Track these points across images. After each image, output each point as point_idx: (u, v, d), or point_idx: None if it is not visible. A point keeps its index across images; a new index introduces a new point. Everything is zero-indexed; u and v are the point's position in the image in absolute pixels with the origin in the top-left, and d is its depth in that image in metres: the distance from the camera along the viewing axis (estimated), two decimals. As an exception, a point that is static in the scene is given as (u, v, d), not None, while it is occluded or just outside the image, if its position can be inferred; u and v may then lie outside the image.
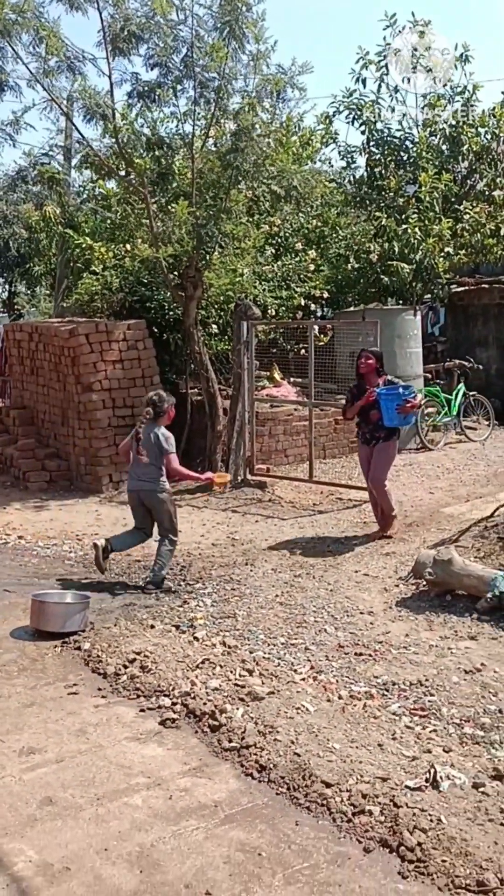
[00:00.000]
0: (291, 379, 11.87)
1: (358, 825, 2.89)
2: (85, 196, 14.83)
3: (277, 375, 11.66)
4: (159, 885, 2.59)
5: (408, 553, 6.55)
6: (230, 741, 3.47)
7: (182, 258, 9.97)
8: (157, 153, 10.42)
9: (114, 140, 10.47)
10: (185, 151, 10.74)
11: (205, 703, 3.75)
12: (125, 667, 4.22)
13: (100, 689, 4.05)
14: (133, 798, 3.09)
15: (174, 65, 10.80)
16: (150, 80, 11.02)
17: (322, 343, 10.95)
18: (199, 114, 10.50)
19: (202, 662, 4.22)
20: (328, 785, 3.11)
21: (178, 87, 10.80)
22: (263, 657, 4.46)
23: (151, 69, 11.04)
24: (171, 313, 10.77)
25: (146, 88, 10.93)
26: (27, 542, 7.24)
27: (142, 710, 3.81)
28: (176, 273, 10.20)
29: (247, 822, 2.94)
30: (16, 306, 29.08)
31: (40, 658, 4.47)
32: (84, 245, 12.06)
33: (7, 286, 29.47)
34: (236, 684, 3.96)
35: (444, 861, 2.66)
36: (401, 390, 6.90)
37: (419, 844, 2.73)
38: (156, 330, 10.66)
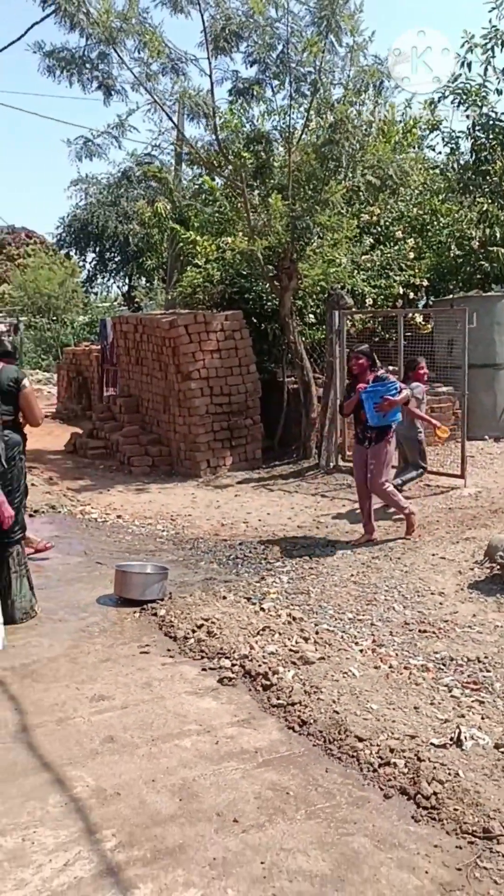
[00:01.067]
0: (389, 367, 11.97)
1: (382, 775, 3.13)
2: (192, 192, 15.34)
3: (375, 363, 11.77)
4: (194, 812, 2.93)
5: (488, 539, 6.63)
6: (278, 698, 3.77)
7: (278, 250, 10.26)
8: (255, 148, 10.73)
9: (215, 137, 10.88)
10: (283, 145, 11.02)
11: (260, 665, 4.06)
12: (193, 631, 4.59)
13: (169, 650, 4.43)
14: (183, 741, 3.44)
15: (272, 61, 11.11)
16: (249, 77, 11.38)
17: (425, 331, 11.00)
18: (296, 108, 10.75)
19: (263, 630, 4.53)
20: (360, 739, 3.36)
21: (276, 82, 11.11)
22: (327, 629, 4.73)
23: (250, 66, 11.39)
24: (268, 304, 11.09)
25: (245, 85, 11.30)
26: (124, 521, 7.76)
27: (203, 670, 4.16)
28: (272, 265, 10.51)
29: (281, 766, 3.23)
30: (135, 299, 30.21)
31: (120, 622, 4.91)
32: (189, 239, 12.53)
33: (127, 279, 30.66)
34: (291, 650, 4.25)
35: (455, 809, 2.87)
36: (379, 388, 6.72)
37: (435, 794, 2.95)
38: (254, 320, 11.02)
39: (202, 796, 3.03)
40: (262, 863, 2.64)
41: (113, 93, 10.66)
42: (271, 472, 10.07)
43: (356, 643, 4.56)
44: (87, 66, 10.26)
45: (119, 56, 10.23)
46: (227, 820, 2.88)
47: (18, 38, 10.92)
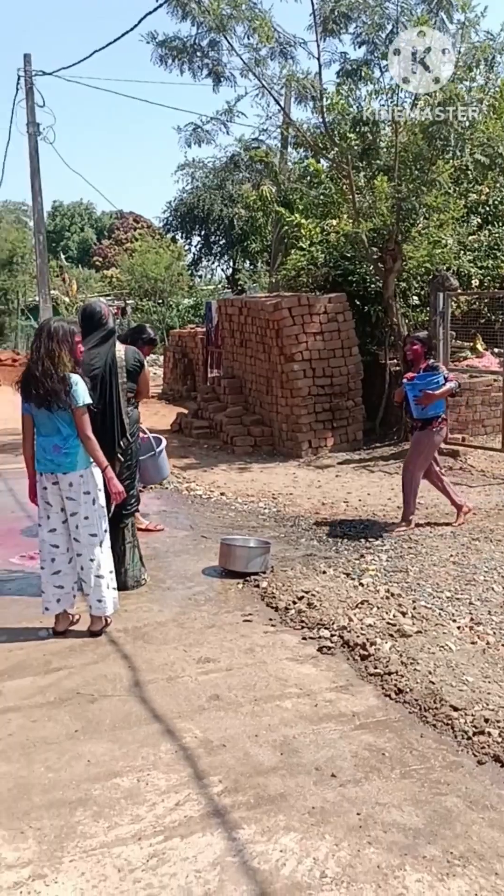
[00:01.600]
0: (495, 349, 11.80)
1: (476, 742, 3.25)
2: (298, 174, 15.40)
3: (480, 346, 11.64)
4: (294, 765, 3.12)
5: None
6: (375, 668, 3.91)
7: (382, 232, 10.26)
8: (362, 129, 10.73)
9: (321, 119, 10.93)
10: (389, 126, 10.97)
11: (358, 636, 4.21)
12: (294, 602, 4.78)
13: (270, 620, 4.64)
14: (284, 703, 3.63)
15: (380, 41, 11.07)
16: (357, 58, 11.37)
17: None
18: (403, 87, 10.68)
19: (361, 603, 4.67)
20: (455, 709, 3.48)
21: (385, 62, 11.06)
22: (425, 606, 4.82)
23: (359, 47, 11.39)
24: (372, 286, 11.11)
25: (353, 66, 11.29)
26: (227, 498, 8.01)
27: (303, 639, 4.35)
28: (377, 247, 10.51)
29: (378, 730, 3.39)
30: (238, 282, 30.54)
31: (224, 592, 5.15)
32: (294, 222, 12.64)
33: (231, 262, 31.01)
34: (389, 623, 4.38)
35: (547, 778, 2.96)
36: (419, 381, 6.59)
37: (528, 762, 3.04)
38: (357, 302, 11.05)
39: (302, 752, 3.22)
40: (357, 814, 2.81)
41: (222, 79, 10.88)
42: (372, 454, 10.14)
43: (453, 620, 4.64)
44: (198, 53, 10.50)
45: (229, 43, 10.44)
46: (325, 774, 3.06)
47: (132, 29, 11.22)
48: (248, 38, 10.45)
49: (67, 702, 3.69)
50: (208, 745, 3.29)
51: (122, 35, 12.97)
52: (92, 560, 4.40)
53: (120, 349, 5.14)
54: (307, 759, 3.17)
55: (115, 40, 12.39)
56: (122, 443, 4.98)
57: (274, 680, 3.87)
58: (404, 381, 6.72)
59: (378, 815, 2.80)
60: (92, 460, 4.36)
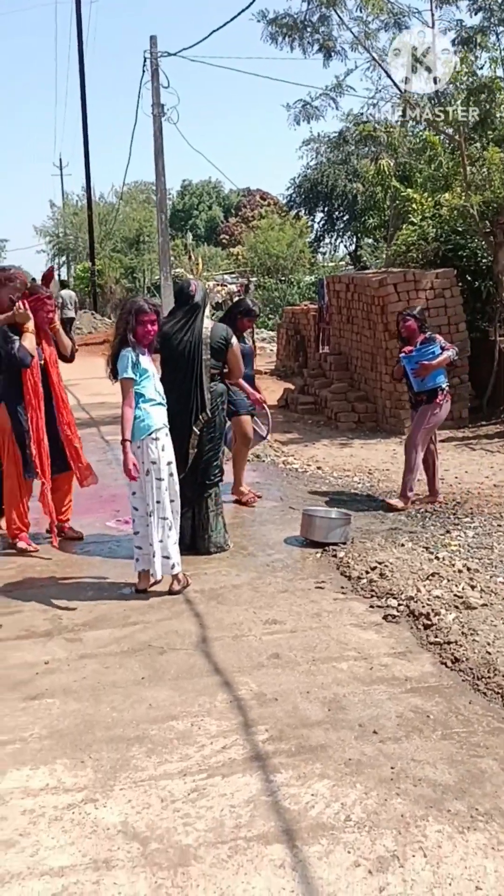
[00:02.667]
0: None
1: (522, 712, 3.30)
2: (415, 147, 15.13)
3: None
4: (338, 721, 3.28)
5: None
6: (436, 636, 3.99)
7: (493, 205, 10.03)
8: (478, 98, 10.48)
9: (435, 90, 10.76)
10: (505, 95, 10.65)
11: (423, 606, 4.29)
12: (367, 572, 4.89)
13: (342, 588, 4.78)
14: (341, 664, 3.78)
15: (497, 6, 10.74)
16: (474, 25, 11.08)
17: None
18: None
19: (432, 575, 4.73)
20: (507, 679, 3.53)
21: (502, 28, 10.74)
22: (501, 583, 4.83)
23: (475, 14, 11.10)
24: (483, 261, 10.87)
25: (469, 34, 11.02)
26: (323, 472, 8.15)
27: (371, 607, 4.47)
28: (488, 220, 10.28)
29: (427, 694, 3.49)
30: (361, 258, 30.27)
31: (302, 560, 5.32)
32: (407, 196, 12.50)
33: (354, 238, 30.76)
34: (456, 595, 4.43)
35: None
36: (414, 353, 6.52)
37: None
38: (468, 278, 10.86)
39: (348, 710, 3.37)
40: (391, 768, 2.94)
41: (333, 54, 10.87)
42: (476, 432, 9.99)
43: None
44: (309, 29, 10.53)
45: (339, 17, 10.41)
46: (367, 731, 3.20)
47: (247, 7, 11.33)
48: (360, 11, 10.39)
49: (139, 652, 3.98)
50: (261, 698, 3.49)
51: (239, 14, 13.11)
52: (162, 522, 4.67)
53: (207, 325, 5.35)
54: (352, 716, 3.31)
55: (231, 19, 12.62)
56: (201, 416, 5.19)
57: (335, 643, 4.02)
58: (401, 355, 6.75)
59: (411, 770, 2.92)
60: (149, 431, 4.59)
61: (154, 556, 4.63)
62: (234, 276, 38.04)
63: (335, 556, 5.31)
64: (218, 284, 31.67)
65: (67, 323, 21.41)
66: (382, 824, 2.64)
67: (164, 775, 2.96)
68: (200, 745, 3.15)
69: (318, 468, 8.34)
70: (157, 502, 4.63)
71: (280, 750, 3.09)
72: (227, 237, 47.80)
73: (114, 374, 4.63)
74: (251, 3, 11.23)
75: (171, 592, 4.72)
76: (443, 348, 6.61)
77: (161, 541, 4.64)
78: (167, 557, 4.66)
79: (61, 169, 58.39)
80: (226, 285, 34.99)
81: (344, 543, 5.51)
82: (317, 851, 2.53)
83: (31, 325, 5.30)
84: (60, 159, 77.37)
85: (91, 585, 4.95)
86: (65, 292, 22.84)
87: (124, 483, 4.81)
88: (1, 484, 5.70)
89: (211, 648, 4.00)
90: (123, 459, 4.55)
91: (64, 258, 51.08)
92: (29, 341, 5.25)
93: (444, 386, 6.71)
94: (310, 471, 8.23)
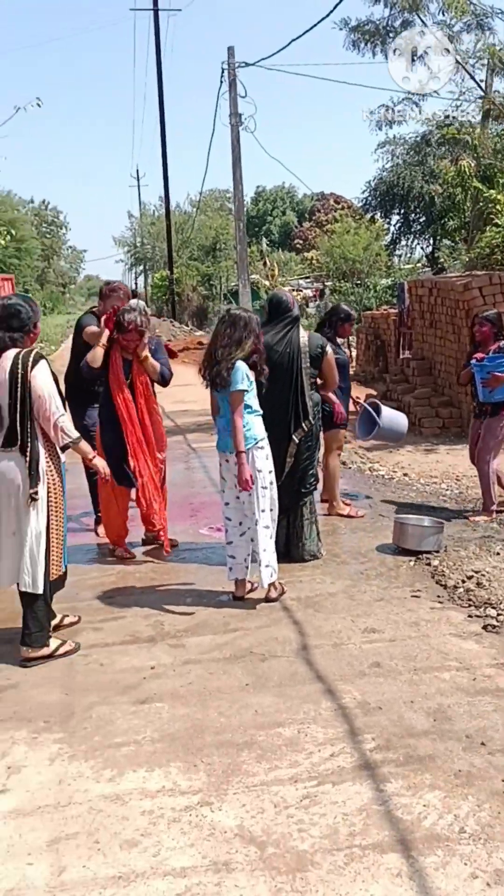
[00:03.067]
0: None
1: None
2: (499, 149, 14.93)
3: None
4: (445, 731, 3.29)
5: None
6: (539, 648, 3.96)
7: None
8: None
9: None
10: None
11: (524, 617, 4.26)
12: (463, 581, 4.87)
13: (438, 597, 4.77)
14: (443, 674, 3.79)
15: None
16: None
17: None
18: None
19: (532, 585, 4.68)
20: None
21: None
22: None
23: None
24: None
25: None
26: (410, 479, 8.11)
27: (469, 616, 4.45)
28: None
29: (533, 707, 3.47)
30: (438, 260, 29.92)
31: (395, 568, 5.32)
32: (491, 198, 12.34)
33: (431, 241, 30.44)
34: None
35: None
36: (488, 362, 6.17)
37: None
38: None
39: (454, 720, 3.37)
40: (503, 780, 2.94)
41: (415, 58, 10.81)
42: None
43: None
44: (391, 35, 10.52)
45: (422, 21, 10.37)
46: (475, 742, 3.20)
47: (327, 16, 11.35)
48: (442, 15, 10.33)
49: (241, 659, 4.06)
50: (365, 707, 3.52)
51: (318, 22, 13.13)
52: (263, 531, 4.73)
53: (303, 335, 5.42)
54: (459, 727, 3.32)
55: (311, 28, 12.59)
56: (304, 425, 5.25)
57: (435, 653, 4.02)
58: (472, 361, 6.43)
59: (522, 784, 2.92)
60: (256, 441, 4.66)
61: (260, 565, 4.71)
62: (308, 280, 38.09)
63: (429, 564, 5.30)
64: (293, 290, 31.76)
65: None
66: (498, 837, 2.64)
67: (276, 781, 3.02)
68: (308, 752, 3.21)
69: (405, 475, 8.30)
70: (262, 511, 4.71)
71: (388, 759, 3.12)
72: (301, 242, 47.89)
73: (220, 384, 4.63)
74: (331, 12, 11.28)
75: (267, 600, 4.79)
76: None
77: (265, 549, 4.72)
78: (267, 566, 4.73)
79: (138, 180, 59.69)
80: (301, 290, 35.08)
81: (437, 552, 5.49)
82: (433, 862, 2.55)
83: (103, 338, 5.45)
84: (137, 171, 78.90)
85: (189, 592, 5.06)
86: (133, 302, 23.31)
87: (214, 491, 4.92)
88: (97, 492, 5.91)
89: (311, 656, 4.06)
90: (239, 470, 4.57)
91: (141, 267, 52.05)
92: (93, 354, 5.44)
93: None
94: (396, 477, 8.20)
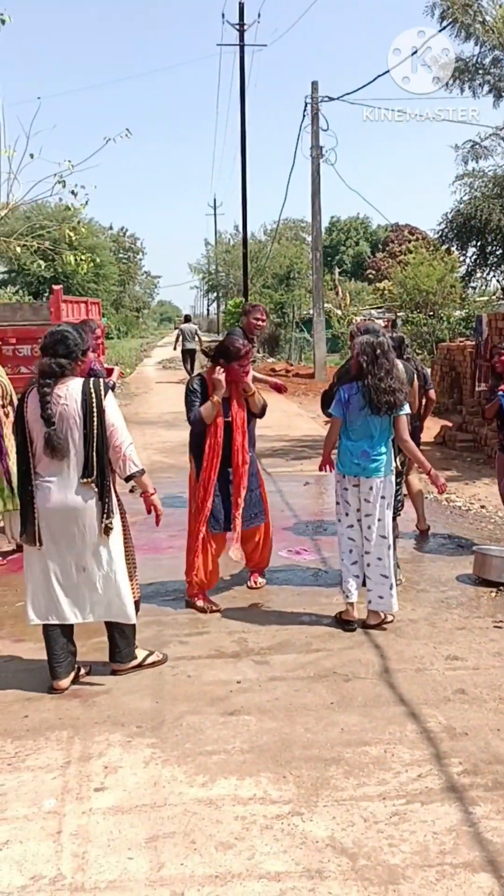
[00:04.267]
0: None
1: None
2: None
3: None
4: (533, 761, 3.31)
5: None
6: None
7: None
8: None
9: None
10: None
11: None
12: (547, 614, 4.86)
13: (522, 628, 4.77)
14: (529, 705, 3.80)
15: None
16: None
17: None
18: None
19: None
20: None
21: None
22: None
23: None
24: None
25: None
26: (487, 511, 8.07)
27: (554, 649, 4.44)
28: None
29: None
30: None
31: (476, 598, 5.33)
32: None
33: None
34: None
35: None
36: None
37: None
38: None
39: (542, 750, 3.39)
40: None
41: (503, 94, 10.90)
42: None
43: None
44: (480, 71, 10.63)
45: (511, 58, 10.45)
46: None
47: (414, 53, 11.54)
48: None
49: (325, 678, 4.14)
50: (451, 732, 3.57)
51: (406, 59, 13.37)
52: (380, 559, 4.76)
53: (399, 363, 5.52)
54: (547, 757, 3.33)
55: (398, 64, 12.79)
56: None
57: (520, 683, 4.04)
58: (499, 393, 6.23)
59: None
60: (392, 468, 4.81)
61: (389, 588, 4.77)
62: (380, 311, 38.09)
63: (511, 596, 5.30)
64: (365, 319, 31.83)
65: (188, 354, 22.71)
66: None
67: (364, 797, 3.09)
68: (396, 771, 3.27)
69: (482, 507, 8.27)
70: (395, 536, 4.80)
71: (476, 783, 3.16)
72: (374, 272, 47.92)
73: (392, 409, 4.74)
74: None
75: (365, 626, 4.79)
76: None
77: (394, 573, 4.85)
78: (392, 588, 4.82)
79: (215, 209, 60.63)
80: (373, 320, 35.16)
81: (519, 584, 5.48)
82: (524, 884, 2.58)
83: (217, 395, 5.05)
84: (215, 199, 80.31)
85: (271, 612, 5.16)
86: (185, 326, 24.11)
87: (290, 515, 4.97)
88: None
89: (394, 679, 4.11)
90: (434, 481, 4.91)
91: (215, 294, 52.83)
92: (209, 409, 5.05)
93: None
94: (473, 509, 8.16)
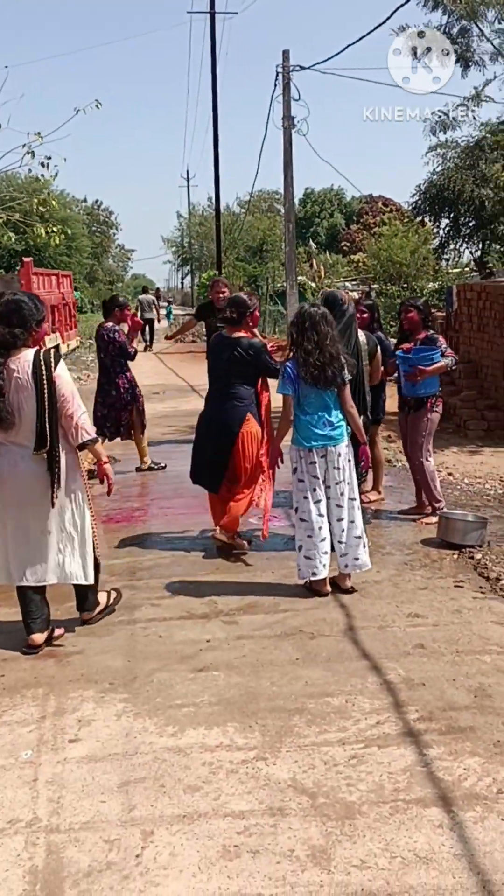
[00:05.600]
0: None
1: None
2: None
3: None
4: (485, 707, 3.50)
5: None
6: None
7: None
8: None
9: None
10: None
11: None
12: (506, 574, 5.06)
13: (480, 588, 4.96)
14: (484, 657, 3.99)
15: None
16: None
17: None
18: None
19: None
20: None
21: None
22: None
23: None
24: None
25: None
26: (454, 478, 8.27)
27: (511, 606, 4.65)
28: None
29: None
30: (487, 265, 29.79)
31: (439, 560, 5.52)
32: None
33: (480, 245, 30.30)
34: None
35: None
36: (413, 355, 6.11)
37: None
38: None
39: (494, 697, 3.58)
40: (538, 751, 3.15)
41: (471, 65, 10.96)
42: None
43: None
44: (448, 41, 10.68)
45: (479, 29, 10.51)
46: (513, 717, 3.41)
47: (384, 22, 11.54)
48: (500, 23, 10.46)
49: (291, 636, 4.31)
50: (409, 682, 3.75)
51: (375, 28, 13.33)
52: (353, 522, 4.89)
53: (360, 334, 5.65)
54: (498, 704, 3.53)
55: (367, 34, 12.79)
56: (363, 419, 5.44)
57: (477, 637, 4.23)
58: (399, 352, 6.34)
59: None
60: (349, 430, 4.92)
61: (363, 548, 4.93)
62: (355, 283, 38.16)
63: (472, 557, 5.49)
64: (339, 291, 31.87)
65: (148, 323, 24.48)
66: (533, 798, 2.86)
67: (325, 742, 3.26)
68: (356, 719, 3.44)
69: (449, 474, 8.46)
70: (353, 498, 4.92)
71: (431, 728, 3.35)
72: (349, 244, 47.88)
73: (335, 381, 4.79)
74: (388, 18, 11.46)
75: (343, 590, 4.94)
76: (443, 353, 6.23)
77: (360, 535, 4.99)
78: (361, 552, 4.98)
79: (188, 181, 60.17)
80: (347, 292, 35.24)
81: (480, 546, 5.67)
82: (472, 817, 2.77)
83: None
84: (188, 171, 79.66)
85: (242, 576, 5.31)
86: (143, 297, 25.69)
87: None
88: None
89: (358, 636, 4.29)
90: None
91: (188, 267, 52.55)
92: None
93: (436, 392, 6.38)
94: (441, 476, 8.34)
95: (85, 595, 4.45)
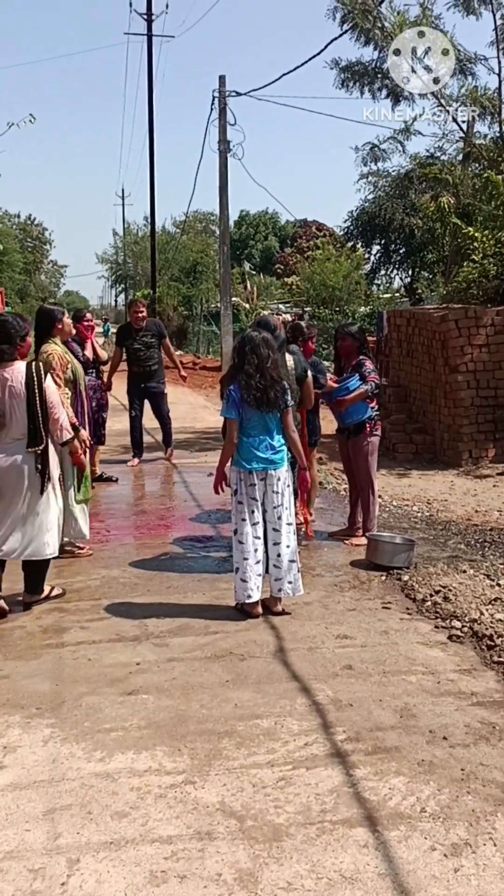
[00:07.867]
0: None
1: None
2: (478, 187, 15.41)
3: None
4: (410, 727, 3.57)
5: None
6: (500, 657, 4.26)
7: None
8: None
9: (500, 132, 11.09)
10: None
11: (487, 628, 4.56)
12: (431, 595, 5.17)
13: (407, 609, 5.06)
14: (410, 678, 4.07)
15: None
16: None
17: None
18: None
19: (495, 600, 4.99)
20: None
21: None
22: None
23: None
24: (545, 300, 11.08)
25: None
26: (383, 501, 8.42)
27: (436, 627, 4.74)
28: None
29: (493, 708, 3.75)
30: (416, 291, 30.54)
31: (368, 582, 5.61)
32: (469, 234, 12.78)
33: (410, 271, 31.06)
34: (518, 619, 4.69)
35: None
36: (339, 384, 6.29)
37: None
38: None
39: (419, 717, 3.66)
40: (462, 769, 3.22)
41: (401, 99, 11.31)
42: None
43: None
44: (379, 76, 10.99)
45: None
46: (437, 737, 3.48)
47: (318, 54, 11.82)
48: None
49: (221, 658, 4.32)
50: (337, 703, 3.80)
51: (309, 60, 13.62)
52: (289, 546, 4.94)
53: (289, 358, 5.73)
54: (423, 724, 3.60)
55: (302, 64, 13.08)
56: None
57: (403, 658, 4.31)
58: (322, 390, 6.48)
59: (480, 773, 3.20)
60: (289, 455, 5.01)
61: (297, 572, 5.00)
62: (288, 305, 38.61)
63: (399, 579, 5.59)
64: (273, 314, 32.20)
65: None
66: (455, 817, 2.92)
67: (254, 765, 3.28)
68: (284, 741, 3.47)
69: (378, 496, 8.60)
70: (289, 523, 4.99)
71: (358, 749, 3.40)
72: (283, 267, 48.42)
73: (278, 405, 4.85)
74: (322, 51, 11.75)
75: (273, 612, 4.95)
76: (365, 378, 6.28)
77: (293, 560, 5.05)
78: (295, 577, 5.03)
79: (123, 199, 60.05)
80: (280, 314, 35.59)
81: (407, 568, 5.79)
82: (396, 836, 2.82)
83: None
84: (123, 190, 79.53)
85: (173, 598, 5.30)
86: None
87: (193, 505, 5.14)
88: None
89: (288, 658, 4.32)
90: (301, 477, 5.47)
91: (122, 285, 52.35)
92: None
93: (372, 417, 6.41)
94: (370, 499, 8.49)
95: (35, 578, 4.99)
